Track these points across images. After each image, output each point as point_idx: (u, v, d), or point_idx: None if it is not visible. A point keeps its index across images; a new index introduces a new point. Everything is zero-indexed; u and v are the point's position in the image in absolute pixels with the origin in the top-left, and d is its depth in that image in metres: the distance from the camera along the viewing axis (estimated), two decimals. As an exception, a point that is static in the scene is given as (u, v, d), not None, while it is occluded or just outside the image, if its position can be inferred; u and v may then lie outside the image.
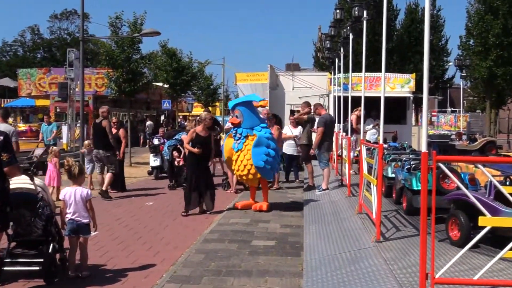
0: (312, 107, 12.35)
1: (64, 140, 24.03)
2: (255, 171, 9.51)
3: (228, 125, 10.70)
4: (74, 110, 24.23)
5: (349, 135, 11.74)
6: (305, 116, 12.40)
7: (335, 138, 14.52)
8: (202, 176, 9.88)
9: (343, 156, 12.54)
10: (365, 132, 13.70)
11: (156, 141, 16.04)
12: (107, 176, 11.92)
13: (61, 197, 6.04)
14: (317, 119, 11.91)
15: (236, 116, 9.66)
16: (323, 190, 11.26)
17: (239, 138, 9.57)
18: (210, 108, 47.45)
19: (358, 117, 12.70)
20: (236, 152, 9.59)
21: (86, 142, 13.48)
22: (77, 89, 23.48)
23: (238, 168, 9.66)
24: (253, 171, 9.51)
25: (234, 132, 9.71)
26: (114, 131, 12.65)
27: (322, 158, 11.31)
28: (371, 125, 15.70)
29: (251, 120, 9.69)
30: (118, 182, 12.62)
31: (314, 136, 12.00)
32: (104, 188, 11.85)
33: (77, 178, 6.06)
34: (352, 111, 12.63)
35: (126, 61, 19.85)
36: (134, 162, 20.05)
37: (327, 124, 11.34)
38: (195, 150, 9.75)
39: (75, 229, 5.89)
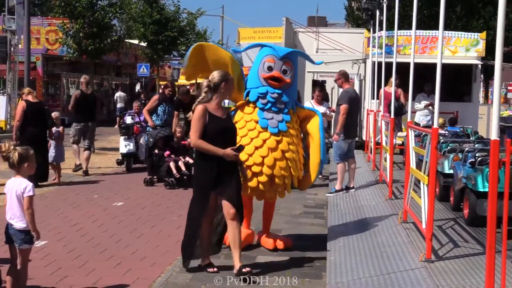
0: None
1: (2, 117, 24.08)
2: (298, 172, 7.61)
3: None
4: (17, 75, 24.28)
5: (392, 115, 11.73)
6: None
7: (373, 120, 14.52)
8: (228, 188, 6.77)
9: (384, 144, 12.54)
10: (413, 112, 13.67)
11: (128, 120, 16.05)
12: (86, 155, 14.37)
13: (5, 190, 5.96)
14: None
15: (285, 72, 7.60)
16: (336, 191, 11.43)
17: (280, 110, 7.46)
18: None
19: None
20: (275, 134, 7.37)
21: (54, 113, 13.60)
22: (20, 46, 23.53)
23: (272, 163, 7.30)
24: (295, 172, 7.52)
25: (273, 96, 7.45)
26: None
27: (338, 148, 11.37)
28: (423, 103, 15.65)
29: (295, 88, 8.05)
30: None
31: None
32: (85, 168, 14.26)
33: (18, 167, 5.93)
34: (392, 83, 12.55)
35: (88, 8, 19.87)
36: (99, 147, 20.10)
37: (352, 100, 11.36)
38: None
39: (10, 236, 5.79)
